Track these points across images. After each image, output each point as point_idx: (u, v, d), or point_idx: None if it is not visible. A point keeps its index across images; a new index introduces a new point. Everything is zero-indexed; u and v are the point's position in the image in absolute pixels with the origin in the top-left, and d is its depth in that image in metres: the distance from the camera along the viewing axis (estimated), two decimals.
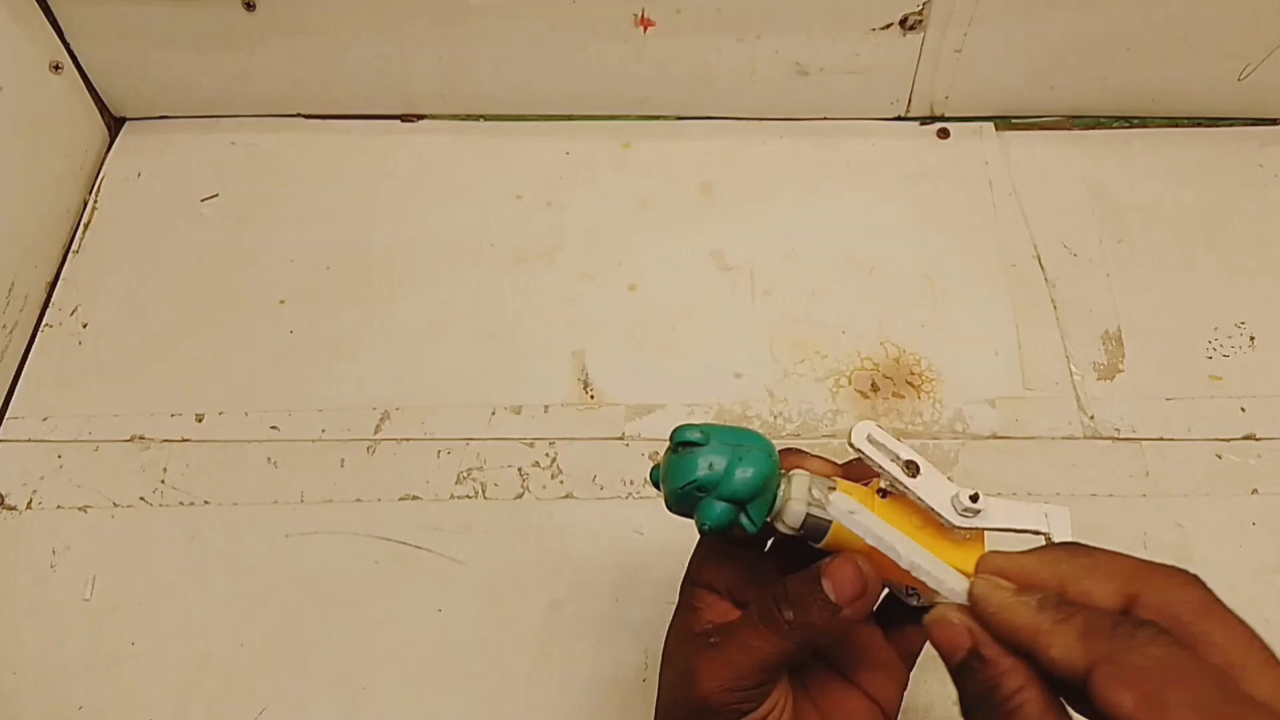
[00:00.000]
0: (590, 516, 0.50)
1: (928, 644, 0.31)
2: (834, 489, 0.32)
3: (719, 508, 0.31)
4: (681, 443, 0.33)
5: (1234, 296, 0.56)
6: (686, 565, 0.36)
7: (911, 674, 0.35)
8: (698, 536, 0.36)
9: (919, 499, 0.31)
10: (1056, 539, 0.32)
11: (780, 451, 0.34)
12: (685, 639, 0.34)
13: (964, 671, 0.29)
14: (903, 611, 0.34)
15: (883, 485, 0.33)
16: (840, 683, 0.35)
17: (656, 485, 0.34)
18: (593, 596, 0.48)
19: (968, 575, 0.31)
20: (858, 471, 0.34)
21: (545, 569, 0.48)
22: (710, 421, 0.52)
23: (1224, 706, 0.24)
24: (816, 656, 0.35)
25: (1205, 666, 0.25)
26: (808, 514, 0.32)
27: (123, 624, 0.47)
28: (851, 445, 0.32)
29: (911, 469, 0.32)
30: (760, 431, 0.34)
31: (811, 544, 0.33)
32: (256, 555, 0.49)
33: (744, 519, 0.32)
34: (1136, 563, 0.28)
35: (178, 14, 0.58)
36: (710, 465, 0.32)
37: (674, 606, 0.36)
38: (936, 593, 0.31)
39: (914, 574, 0.31)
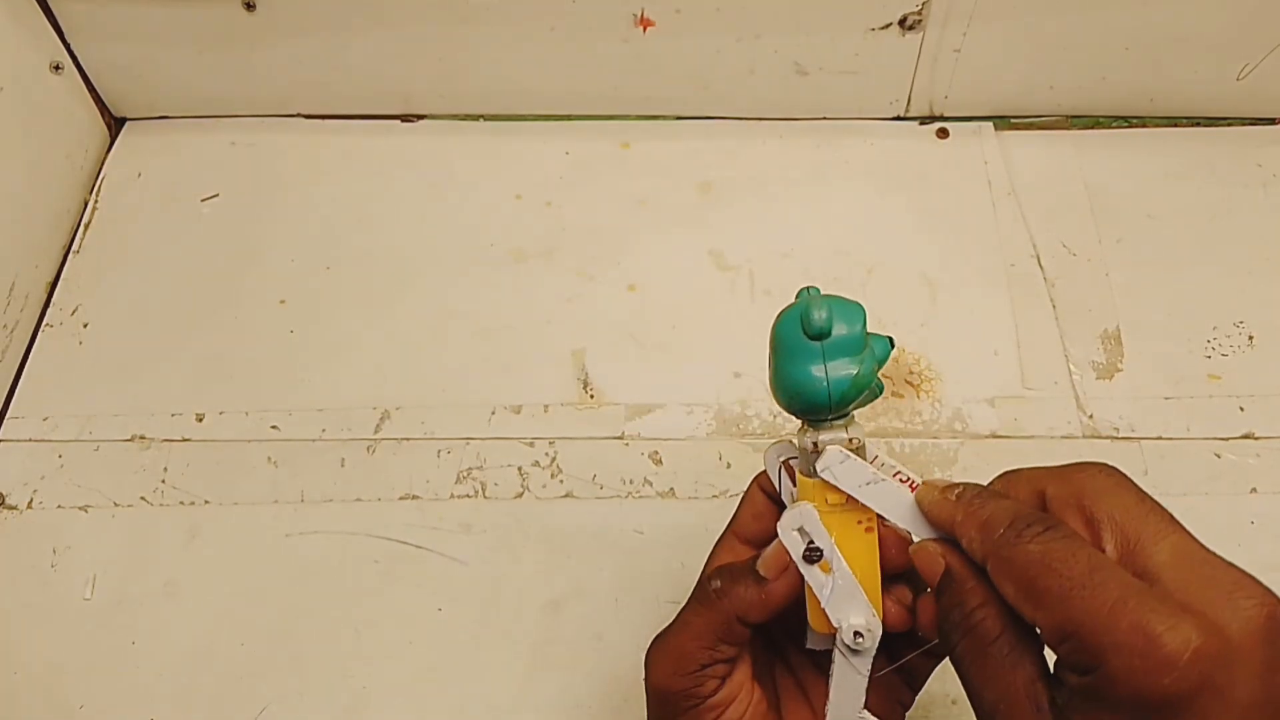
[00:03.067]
0: (590, 516, 0.50)
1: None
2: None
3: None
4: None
5: (1233, 296, 0.56)
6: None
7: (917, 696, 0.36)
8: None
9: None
10: None
11: None
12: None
13: (939, 593, 0.31)
14: (905, 642, 0.35)
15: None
16: None
17: (809, 326, 0.32)
18: (593, 596, 0.48)
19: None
20: None
21: (545, 569, 0.48)
22: (711, 420, 0.52)
23: (1085, 591, 0.26)
24: (816, 681, 0.35)
25: (1079, 556, 0.27)
26: (807, 452, 0.33)
27: (123, 624, 0.47)
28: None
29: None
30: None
31: (800, 474, 0.34)
32: (256, 555, 0.49)
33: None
34: (1052, 468, 0.31)
35: (178, 14, 0.58)
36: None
37: (673, 606, 0.36)
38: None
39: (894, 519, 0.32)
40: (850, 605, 0.32)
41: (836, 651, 0.32)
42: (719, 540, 0.37)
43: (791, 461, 0.35)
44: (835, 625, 0.32)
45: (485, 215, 0.60)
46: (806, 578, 0.32)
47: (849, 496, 0.32)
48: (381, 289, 0.58)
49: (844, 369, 0.32)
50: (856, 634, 0.32)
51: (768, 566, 0.32)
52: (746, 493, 0.37)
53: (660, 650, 0.33)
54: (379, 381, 0.54)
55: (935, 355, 0.54)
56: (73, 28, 0.59)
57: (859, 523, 0.32)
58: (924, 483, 0.32)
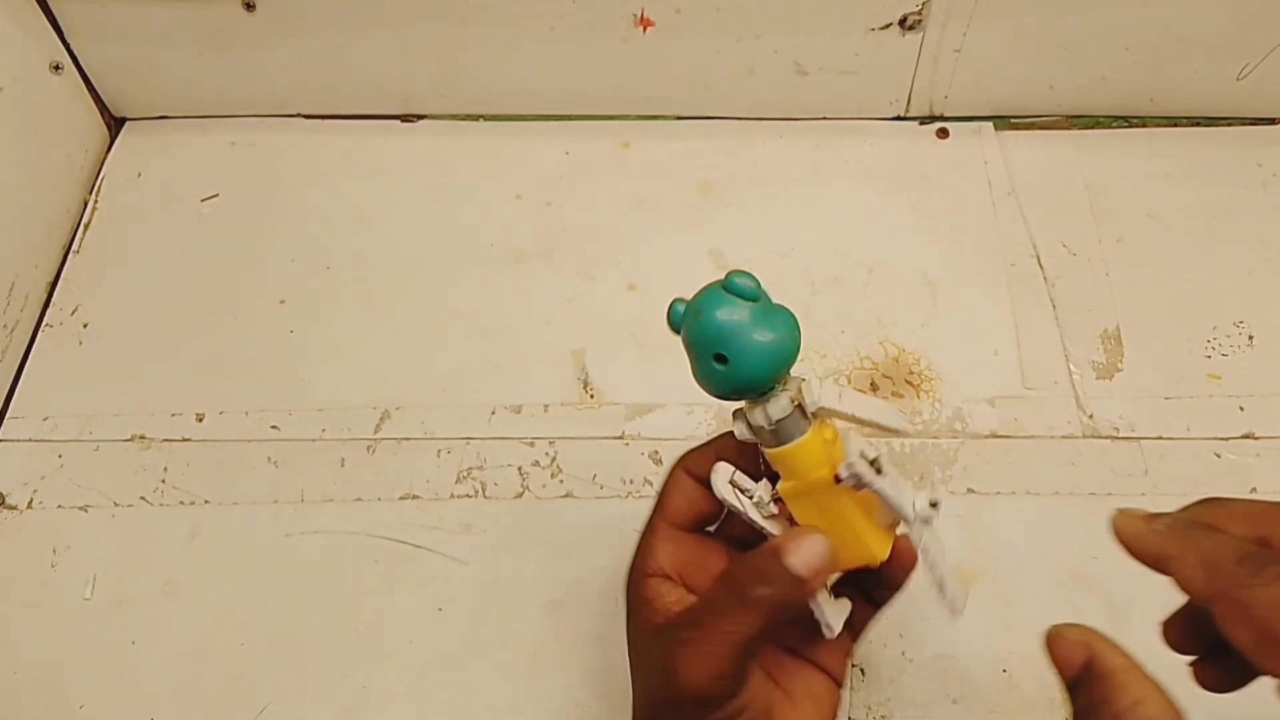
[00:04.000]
0: (590, 516, 0.50)
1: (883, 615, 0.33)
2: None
3: (740, 318, 0.32)
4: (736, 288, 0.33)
5: (1233, 295, 0.56)
6: (631, 561, 0.36)
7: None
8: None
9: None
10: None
11: None
12: (650, 636, 0.34)
13: (1076, 687, 0.28)
14: (849, 587, 0.36)
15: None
16: (792, 659, 0.36)
17: (675, 324, 0.34)
18: (593, 596, 0.48)
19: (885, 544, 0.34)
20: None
21: (545, 569, 0.48)
22: (711, 420, 0.52)
23: None
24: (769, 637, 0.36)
25: None
26: (792, 411, 0.33)
27: (123, 623, 0.47)
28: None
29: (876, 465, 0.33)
30: None
31: (765, 449, 0.34)
32: (256, 555, 0.49)
33: (745, 341, 0.32)
34: (1270, 504, 0.28)
35: (178, 14, 0.58)
36: (757, 284, 0.33)
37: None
38: (896, 507, 0.33)
39: (882, 420, 0.33)
40: (911, 489, 0.33)
41: (926, 533, 0.33)
42: (648, 532, 0.36)
43: (735, 478, 0.35)
44: (915, 514, 0.32)
45: (485, 215, 0.60)
46: (881, 489, 0.32)
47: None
48: (381, 289, 0.58)
49: (787, 319, 0.33)
50: (931, 502, 0.32)
51: (806, 564, 0.32)
52: (671, 479, 0.37)
53: (695, 656, 0.31)
54: (379, 381, 0.54)
55: (935, 355, 0.54)
56: (73, 28, 0.59)
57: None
58: (1121, 512, 0.30)
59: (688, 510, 0.36)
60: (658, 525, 0.36)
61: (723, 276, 0.33)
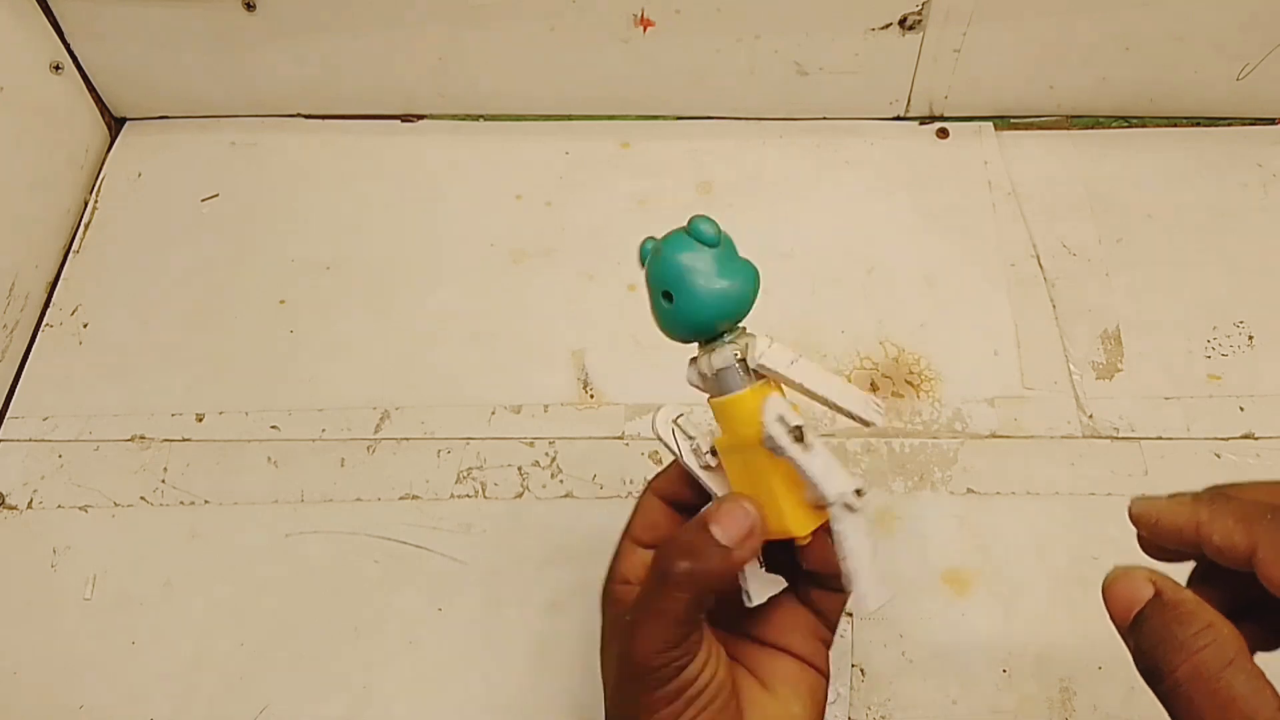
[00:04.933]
0: (590, 516, 0.50)
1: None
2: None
3: (691, 261, 0.33)
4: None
5: (1233, 296, 0.56)
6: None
7: (837, 633, 0.37)
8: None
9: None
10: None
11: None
12: (611, 629, 0.35)
13: (1139, 621, 0.28)
14: (808, 577, 0.35)
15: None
16: (767, 649, 0.36)
17: (643, 260, 0.35)
18: (593, 596, 0.47)
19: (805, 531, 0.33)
20: None
21: (545, 569, 0.48)
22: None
23: None
24: (736, 630, 0.36)
25: None
26: (733, 363, 0.33)
27: (123, 623, 0.47)
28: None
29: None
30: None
31: (709, 399, 0.34)
32: (256, 555, 0.49)
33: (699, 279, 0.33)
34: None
35: (178, 14, 0.58)
36: (718, 231, 0.34)
37: None
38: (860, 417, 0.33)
39: (839, 400, 0.32)
40: (840, 471, 0.31)
41: (845, 520, 0.31)
42: (618, 549, 0.37)
43: (680, 420, 0.36)
44: (835, 496, 0.31)
45: (485, 215, 0.60)
46: (797, 460, 0.31)
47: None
48: (381, 289, 0.58)
49: (742, 269, 0.33)
50: (857, 490, 0.31)
51: (730, 534, 0.32)
52: (642, 500, 0.37)
53: (640, 637, 0.32)
54: (379, 381, 0.54)
55: (935, 355, 0.54)
56: (73, 28, 0.59)
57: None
58: (1142, 497, 0.31)
59: (653, 529, 0.37)
60: (624, 542, 0.37)
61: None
